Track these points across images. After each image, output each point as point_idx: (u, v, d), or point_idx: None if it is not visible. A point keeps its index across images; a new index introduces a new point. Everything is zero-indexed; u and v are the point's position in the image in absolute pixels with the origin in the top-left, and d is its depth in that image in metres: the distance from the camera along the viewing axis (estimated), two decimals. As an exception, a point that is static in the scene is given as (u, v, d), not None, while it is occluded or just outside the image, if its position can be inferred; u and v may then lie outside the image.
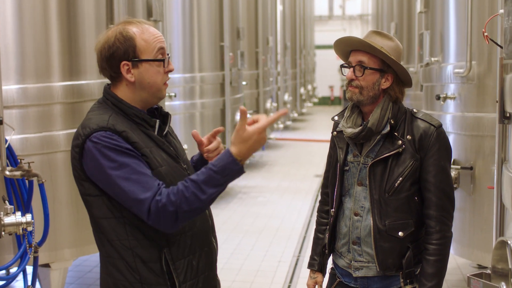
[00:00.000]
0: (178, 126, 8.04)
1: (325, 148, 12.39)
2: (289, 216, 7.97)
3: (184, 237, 2.34)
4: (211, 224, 2.49)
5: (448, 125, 4.64)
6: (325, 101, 26.77)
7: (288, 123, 16.47)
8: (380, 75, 2.62)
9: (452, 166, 4.53)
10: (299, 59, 18.78)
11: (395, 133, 2.62)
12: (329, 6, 27.11)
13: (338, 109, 24.84)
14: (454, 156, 4.63)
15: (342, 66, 2.72)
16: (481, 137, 4.36)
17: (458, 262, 5.84)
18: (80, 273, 5.85)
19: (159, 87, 2.36)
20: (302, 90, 19.62)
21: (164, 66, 2.36)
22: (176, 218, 2.16)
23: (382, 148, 2.63)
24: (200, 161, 2.62)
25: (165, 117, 2.47)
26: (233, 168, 2.17)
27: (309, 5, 22.66)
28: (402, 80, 2.66)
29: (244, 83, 9.91)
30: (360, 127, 2.64)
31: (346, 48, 2.69)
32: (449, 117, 4.65)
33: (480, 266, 5.56)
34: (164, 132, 2.44)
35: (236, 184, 9.86)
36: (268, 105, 12.12)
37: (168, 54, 2.40)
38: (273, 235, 7.13)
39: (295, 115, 17.89)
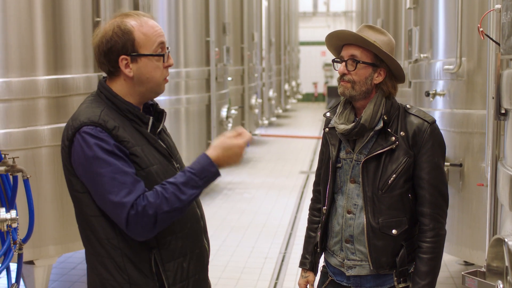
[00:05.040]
0: (163, 122, 7.98)
1: (310, 144, 12.41)
2: (275, 213, 7.94)
3: (174, 238, 2.29)
4: (203, 226, 2.43)
5: (437, 122, 4.62)
6: (309, 98, 26.79)
7: (273, 119, 16.43)
8: (372, 69, 2.58)
9: (441, 163, 4.52)
10: (283, 55, 18.75)
11: (388, 129, 2.58)
12: (313, 3, 27.09)
13: (322, 106, 24.88)
14: (443, 153, 4.62)
15: (334, 60, 2.67)
16: (470, 134, 4.35)
17: (444, 259, 5.83)
18: (64, 270, 5.78)
19: (158, 82, 2.30)
20: (286, 86, 19.61)
21: (163, 61, 2.29)
22: (155, 221, 2.11)
23: (375, 145, 2.59)
24: None
25: (160, 114, 2.41)
26: (210, 169, 2.17)
27: (294, 1, 22.64)
28: (395, 75, 2.62)
29: (229, 78, 9.86)
30: (353, 123, 2.60)
31: (338, 42, 2.65)
32: (438, 114, 4.64)
33: (467, 263, 5.58)
34: (158, 130, 2.38)
35: (221, 180, 9.80)
36: (253, 101, 12.08)
37: (168, 48, 2.34)
38: (259, 231, 7.10)
39: (280, 111, 17.87)
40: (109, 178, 2.11)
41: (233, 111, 9.40)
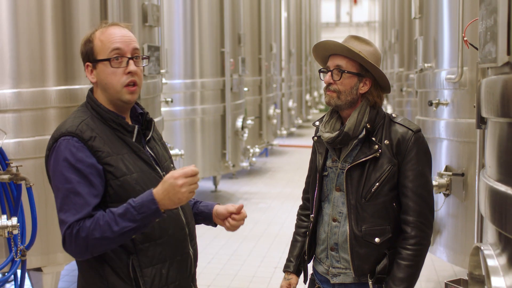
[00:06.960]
0: (178, 132, 8.08)
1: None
2: (289, 223, 7.95)
3: (153, 244, 2.32)
4: (188, 233, 2.44)
5: (442, 131, 4.62)
6: (332, 108, 26.73)
7: (293, 129, 16.44)
8: (358, 79, 2.62)
9: (443, 172, 4.51)
10: (304, 65, 18.79)
11: (372, 138, 2.60)
12: (336, 13, 27.16)
13: (345, 116, 24.79)
14: (446, 162, 4.60)
15: (320, 71, 2.72)
16: (473, 144, 4.33)
17: (455, 270, 5.81)
18: (75, 278, 5.85)
19: (116, 89, 2.31)
20: (307, 96, 19.62)
21: (112, 66, 2.29)
22: (87, 244, 2.15)
23: (359, 153, 2.61)
24: (203, 214, 2.61)
25: (149, 123, 2.46)
26: (150, 206, 2.13)
27: (316, 12, 22.69)
28: (381, 85, 2.65)
29: (245, 89, 9.93)
30: (337, 132, 2.63)
31: (325, 52, 2.69)
32: (443, 123, 4.64)
33: (476, 274, 5.52)
34: (147, 138, 2.43)
35: (237, 190, 9.87)
36: (271, 111, 12.12)
37: (140, 55, 2.36)
38: (271, 241, 7.12)
39: (300, 121, 17.87)
40: (64, 195, 2.19)
41: (249, 121, 9.45)
